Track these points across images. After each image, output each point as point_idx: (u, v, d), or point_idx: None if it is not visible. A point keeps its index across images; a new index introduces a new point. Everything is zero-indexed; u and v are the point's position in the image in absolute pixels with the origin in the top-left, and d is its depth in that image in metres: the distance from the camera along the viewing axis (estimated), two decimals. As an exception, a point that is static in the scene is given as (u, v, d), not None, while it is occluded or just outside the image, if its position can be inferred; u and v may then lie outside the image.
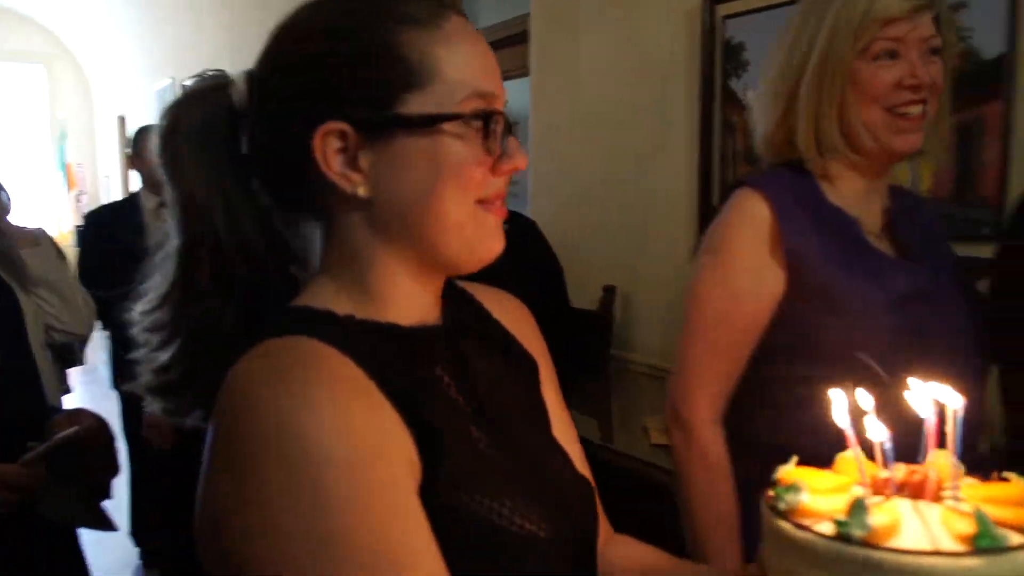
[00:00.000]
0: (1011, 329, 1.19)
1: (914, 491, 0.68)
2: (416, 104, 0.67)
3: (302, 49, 0.70)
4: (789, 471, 0.73)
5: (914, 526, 0.63)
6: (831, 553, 0.62)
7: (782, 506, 0.66)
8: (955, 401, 0.70)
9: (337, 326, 0.69)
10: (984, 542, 0.59)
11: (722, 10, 2.35)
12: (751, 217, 1.20)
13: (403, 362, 0.69)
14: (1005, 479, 0.69)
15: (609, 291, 2.61)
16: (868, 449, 0.87)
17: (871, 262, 1.20)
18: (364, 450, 0.61)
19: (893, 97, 1.18)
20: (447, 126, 0.67)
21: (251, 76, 0.73)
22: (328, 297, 0.72)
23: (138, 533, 3.40)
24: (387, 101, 0.67)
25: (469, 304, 0.84)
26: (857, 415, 0.73)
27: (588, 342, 2.56)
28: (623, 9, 2.63)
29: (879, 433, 0.69)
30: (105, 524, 1.50)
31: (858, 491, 0.69)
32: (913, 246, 1.25)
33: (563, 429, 0.86)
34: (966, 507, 0.64)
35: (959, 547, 0.61)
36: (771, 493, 0.69)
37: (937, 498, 0.67)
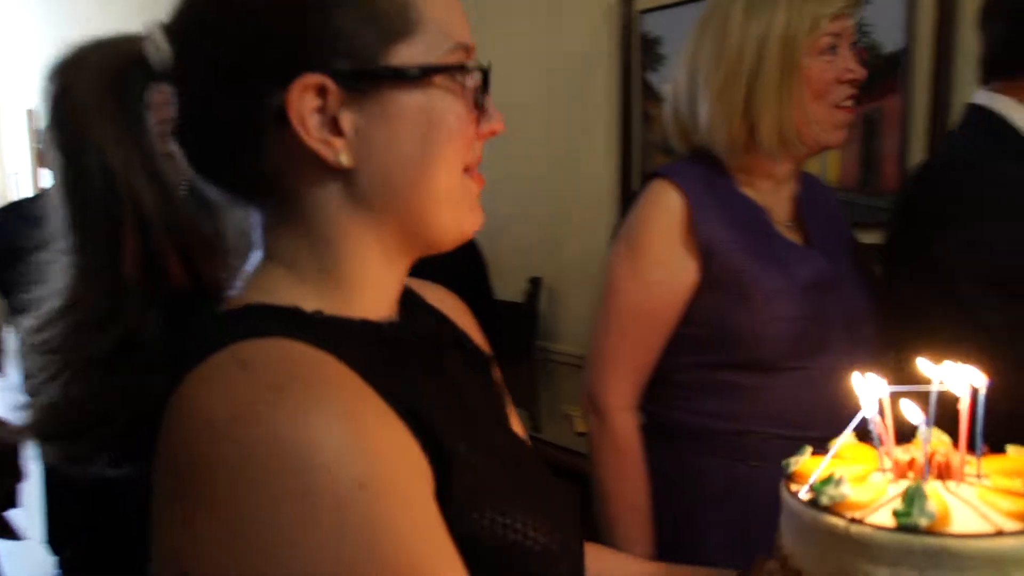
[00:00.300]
0: (900, 311, 1.25)
1: (942, 472, 0.66)
2: (405, 55, 0.58)
3: None
4: (808, 462, 0.70)
5: (961, 508, 0.61)
6: (894, 545, 0.58)
7: (825, 500, 0.62)
8: (980, 381, 0.68)
9: (313, 325, 0.58)
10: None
11: (639, 4, 2.40)
12: (665, 208, 1.22)
13: (389, 365, 0.60)
14: (1002, 451, 0.69)
15: (534, 283, 2.64)
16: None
17: (780, 251, 1.23)
18: (388, 468, 0.51)
19: (837, 92, 1.21)
20: (439, 80, 0.59)
21: (173, 29, 0.60)
22: (286, 290, 0.60)
23: (54, 541, 3.28)
24: (374, 51, 0.58)
25: (416, 297, 0.77)
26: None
27: (514, 334, 2.58)
28: (544, 2, 2.66)
29: (915, 416, 0.66)
30: (9, 533, 1.43)
31: (881, 477, 0.67)
32: (819, 234, 1.30)
33: (518, 428, 0.80)
34: (988, 484, 0.64)
35: (1017, 525, 0.59)
36: (793, 487, 0.66)
37: (961, 477, 0.66)
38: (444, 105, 0.60)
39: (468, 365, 0.76)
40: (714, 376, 1.23)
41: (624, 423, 1.25)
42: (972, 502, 0.63)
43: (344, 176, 0.59)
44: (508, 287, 2.63)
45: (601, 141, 2.53)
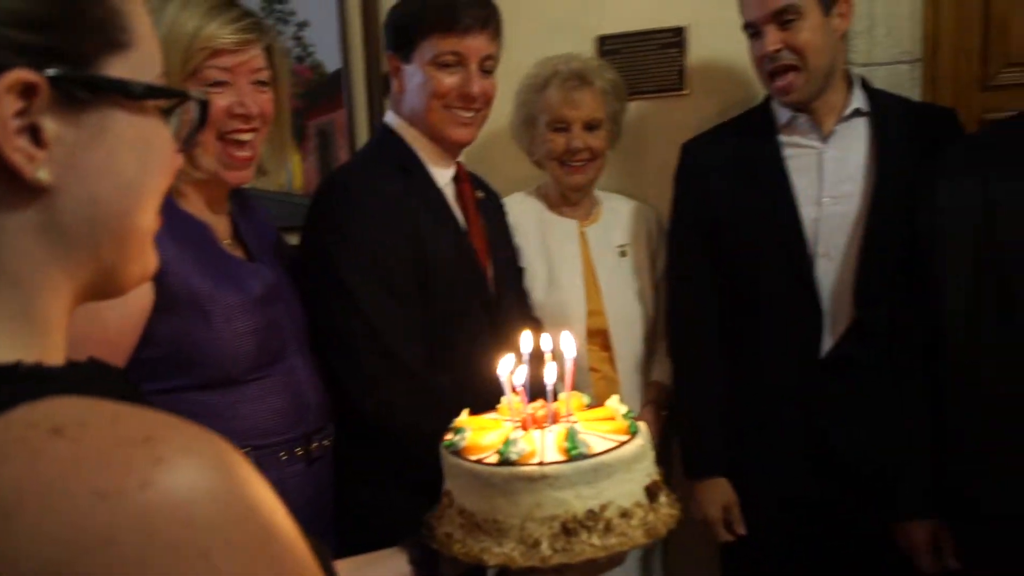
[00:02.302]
0: (311, 306, 1.37)
1: (553, 420, 0.88)
2: (120, 69, 0.50)
3: None
4: (471, 437, 0.86)
5: (587, 437, 0.82)
6: (574, 472, 0.77)
7: (514, 457, 0.80)
8: (570, 350, 0.91)
9: (55, 378, 0.48)
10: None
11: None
12: None
13: None
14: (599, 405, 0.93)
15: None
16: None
17: (228, 268, 1.25)
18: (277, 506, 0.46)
19: (224, 124, 1.22)
20: (156, 104, 0.53)
21: None
22: None
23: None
24: (89, 57, 0.49)
25: None
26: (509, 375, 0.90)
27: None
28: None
29: (552, 377, 0.90)
30: None
31: (509, 426, 0.88)
32: (257, 248, 1.34)
33: None
34: (572, 428, 0.84)
35: (622, 437, 0.82)
36: (473, 457, 0.82)
37: (557, 422, 0.87)
38: (160, 132, 0.54)
39: None
40: (180, 400, 1.16)
41: None
42: (587, 432, 0.84)
43: (39, 198, 0.49)
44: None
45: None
